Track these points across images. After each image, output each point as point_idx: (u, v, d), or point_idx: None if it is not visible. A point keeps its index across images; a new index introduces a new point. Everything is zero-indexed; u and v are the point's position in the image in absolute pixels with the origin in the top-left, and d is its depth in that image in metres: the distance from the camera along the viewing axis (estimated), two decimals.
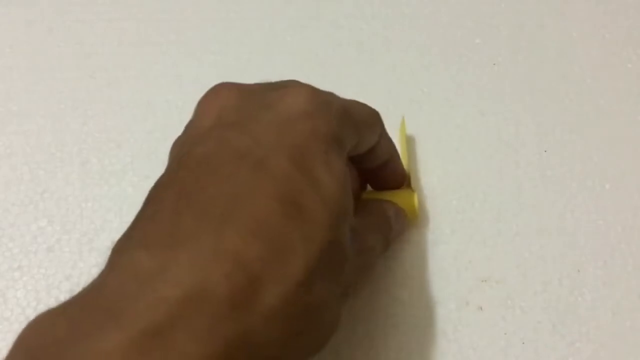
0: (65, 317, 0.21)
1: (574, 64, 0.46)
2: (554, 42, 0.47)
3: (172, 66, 0.46)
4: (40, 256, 0.37)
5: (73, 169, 0.41)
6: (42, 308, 0.36)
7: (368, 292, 0.36)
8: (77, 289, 0.36)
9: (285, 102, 0.25)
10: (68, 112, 0.43)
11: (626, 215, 0.39)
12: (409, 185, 0.38)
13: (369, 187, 0.37)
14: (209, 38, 0.47)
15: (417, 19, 0.49)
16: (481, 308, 0.36)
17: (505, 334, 0.35)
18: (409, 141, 0.41)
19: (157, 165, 0.42)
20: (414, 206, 0.36)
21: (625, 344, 0.35)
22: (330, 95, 0.28)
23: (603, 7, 0.49)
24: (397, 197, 0.36)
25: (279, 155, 0.23)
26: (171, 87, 0.45)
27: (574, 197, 0.40)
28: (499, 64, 0.46)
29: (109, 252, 0.23)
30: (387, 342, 0.35)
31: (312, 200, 0.23)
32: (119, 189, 0.40)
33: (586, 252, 0.38)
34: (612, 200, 0.40)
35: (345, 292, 0.26)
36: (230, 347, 0.20)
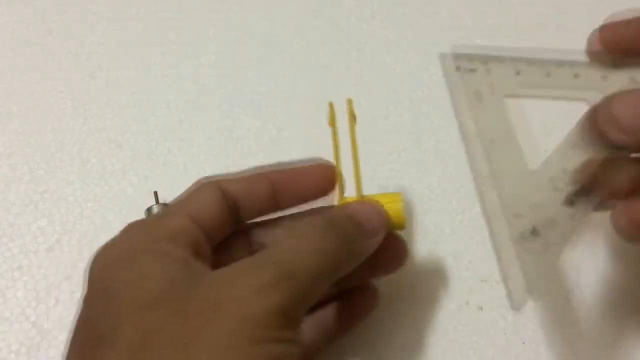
0: None
1: None
2: (553, 42, 0.47)
3: (172, 66, 0.46)
4: (40, 256, 0.37)
5: (73, 169, 0.41)
6: (42, 308, 0.36)
7: None
8: (77, 289, 0.36)
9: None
10: (68, 112, 0.43)
11: None
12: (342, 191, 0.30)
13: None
14: (209, 38, 0.47)
15: (417, 19, 0.49)
16: (481, 308, 0.36)
17: (505, 334, 0.35)
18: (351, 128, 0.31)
19: (157, 165, 0.43)
20: (400, 210, 0.30)
21: (625, 344, 0.35)
22: None
23: (603, 7, 0.49)
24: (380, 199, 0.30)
25: None
26: (171, 87, 0.44)
27: None
28: None
29: None
30: (388, 342, 0.35)
31: None
32: (119, 189, 0.40)
33: (586, 252, 0.38)
34: None
35: None
36: None
